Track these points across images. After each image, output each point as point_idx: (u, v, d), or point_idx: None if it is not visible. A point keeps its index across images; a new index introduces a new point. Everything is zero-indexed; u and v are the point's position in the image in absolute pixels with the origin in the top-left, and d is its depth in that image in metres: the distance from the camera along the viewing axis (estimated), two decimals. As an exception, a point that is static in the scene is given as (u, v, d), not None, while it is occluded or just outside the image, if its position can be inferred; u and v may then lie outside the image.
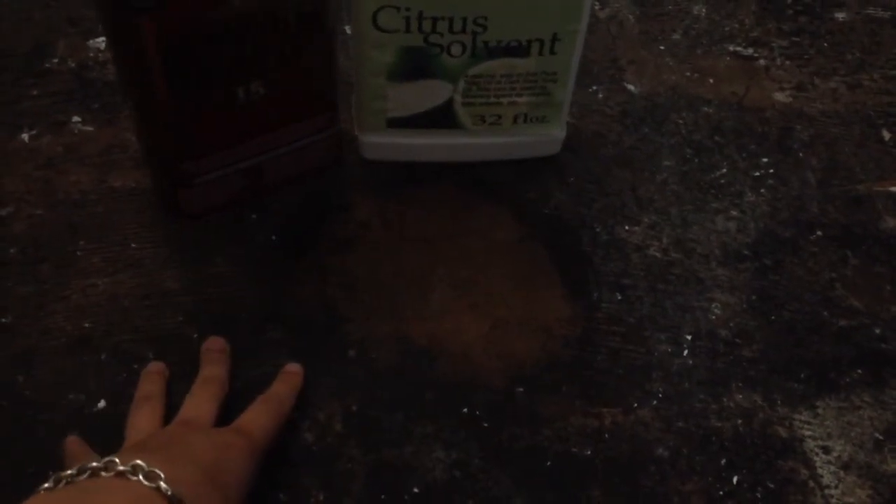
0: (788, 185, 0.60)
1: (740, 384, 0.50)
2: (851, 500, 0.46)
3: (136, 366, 0.48)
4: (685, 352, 0.51)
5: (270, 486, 0.45)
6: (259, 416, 0.45)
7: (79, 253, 0.53)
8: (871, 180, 0.60)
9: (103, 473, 0.37)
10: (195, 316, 0.51)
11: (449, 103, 0.55)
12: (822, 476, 0.47)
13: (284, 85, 0.50)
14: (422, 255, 0.55)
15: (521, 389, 0.49)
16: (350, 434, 0.47)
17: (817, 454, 0.47)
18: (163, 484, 0.37)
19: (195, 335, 0.50)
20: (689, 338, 0.52)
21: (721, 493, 0.46)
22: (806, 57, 0.68)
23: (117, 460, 0.37)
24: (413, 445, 0.47)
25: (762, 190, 0.59)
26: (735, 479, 0.46)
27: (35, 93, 0.61)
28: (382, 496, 0.45)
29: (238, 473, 0.41)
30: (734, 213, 0.58)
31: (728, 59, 0.67)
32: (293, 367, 0.49)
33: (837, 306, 0.53)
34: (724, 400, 0.49)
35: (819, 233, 0.57)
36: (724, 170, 0.60)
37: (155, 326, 0.50)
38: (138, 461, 0.37)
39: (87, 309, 0.51)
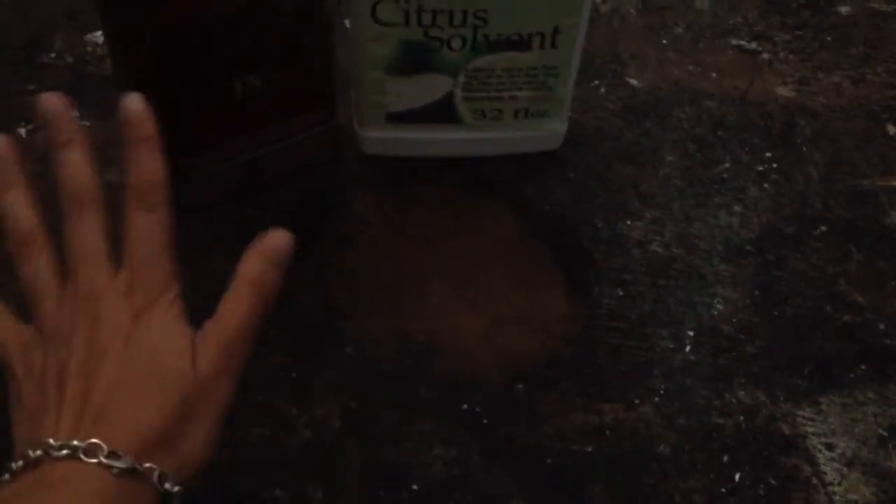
0: (792, 180, 0.59)
1: (743, 380, 0.49)
2: (855, 497, 0.45)
3: (132, 362, 0.48)
4: (687, 348, 0.51)
5: (267, 484, 0.44)
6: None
7: (75, 248, 0.53)
8: (876, 175, 0.60)
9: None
10: (191, 313, 0.50)
11: (449, 98, 0.54)
12: (825, 473, 0.46)
13: (282, 79, 0.50)
14: (421, 252, 0.54)
15: (520, 386, 0.48)
16: (348, 431, 0.46)
17: (820, 451, 0.47)
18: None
19: (192, 331, 0.49)
20: (691, 334, 0.51)
21: (723, 490, 0.45)
22: (809, 51, 0.67)
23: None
24: (412, 443, 0.46)
25: (765, 185, 0.59)
26: (737, 477, 0.46)
27: (32, 87, 0.61)
28: (381, 493, 0.44)
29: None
30: (737, 208, 0.57)
31: (731, 53, 0.67)
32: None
33: (841, 302, 0.53)
34: (727, 396, 0.49)
35: (823, 228, 0.57)
36: (727, 165, 0.60)
37: (152, 322, 0.50)
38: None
39: (83, 305, 0.50)
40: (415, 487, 0.45)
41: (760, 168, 0.60)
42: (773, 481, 0.46)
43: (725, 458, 0.46)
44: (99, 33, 0.64)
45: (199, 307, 0.51)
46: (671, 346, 0.51)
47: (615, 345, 0.50)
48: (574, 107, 0.60)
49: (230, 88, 0.48)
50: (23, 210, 0.38)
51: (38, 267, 0.37)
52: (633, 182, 0.58)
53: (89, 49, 0.63)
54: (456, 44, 0.51)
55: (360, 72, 0.53)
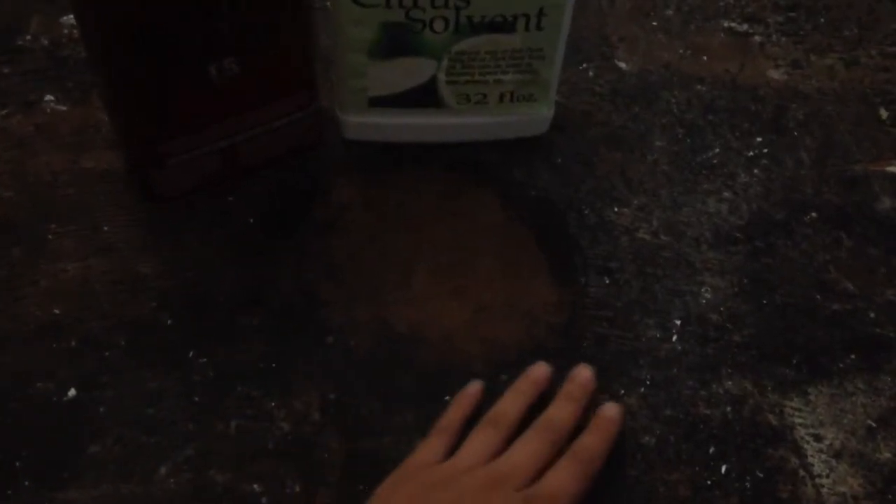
0: (782, 165, 0.58)
1: (730, 370, 0.49)
2: (843, 489, 0.45)
3: (107, 353, 0.47)
4: (674, 337, 0.50)
5: (244, 477, 0.44)
6: (568, 481, 0.40)
7: (49, 236, 0.51)
8: (868, 160, 0.59)
9: None
10: (169, 301, 0.49)
11: (432, 81, 0.53)
12: (812, 465, 0.45)
13: (259, 62, 0.49)
14: (404, 239, 0.53)
15: (504, 376, 0.47)
16: (328, 423, 0.46)
17: (808, 442, 0.46)
18: None
19: (169, 321, 0.49)
20: (678, 323, 0.50)
21: (708, 482, 0.45)
22: (802, 33, 0.66)
23: None
24: (393, 434, 0.45)
25: (755, 170, 0.58)
26: (723, 468, 0.45)
27: (6, 71, 0.59)
28: (361, 487, 0.44)
29: None
30: (726, 194, 0.56)
31: (722, 35, 0.66)
32: (610, 412, 0.44)
33: (831, 290, 0.52)
34: (714, 387, 0.48)
35: (813, 214, 0.56)
36: (717, 150, 0.59)
37: (128, 312, 0.49)
38: None
39: (57, 294, 0.49)
40: (395, 480, 0.44)
41: (751, 153, 0.58)
42: (759, 473, 0.45)
43: (711, 450, 0.46)
44: (75, 15, 0.63)
45: (175, 295, 0.50)
46: (658, 335, 0.50)
47: (601, 334, 0.49)
48: (561, 91, 0.59)
49: (205, 72, 0.47)
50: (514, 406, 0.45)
51: (487, 439, 0.43)
52: (620, 168, 0.57)
53: (65, 32, 0.62)
54: (438, 26, 0.50)
55: (340, 55, 0.52)
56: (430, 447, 0.43)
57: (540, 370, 0.46)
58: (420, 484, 0.40)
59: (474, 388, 0.46)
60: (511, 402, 0.45)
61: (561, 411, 0.44)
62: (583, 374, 0.46)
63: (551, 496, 0.40)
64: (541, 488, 0.40)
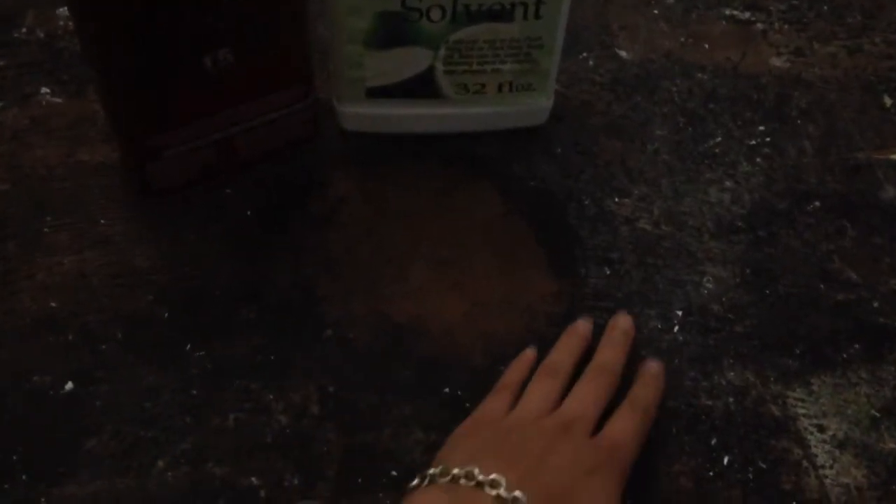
0: (785, 154, 0.57)
1: (732, 361, 0.48)
2: (846, 479, 0.44)
3: (104, 347, 0.47)
4: (675, 328, 0.49)
5: (242, 471, 0.43)
6: (628, 429, 0.42)
7: (45, 230, 0.51)
8: (871, 148, 0.58)
9: (462, 481, 0.37)
10: (166, 295, 0.49)
11: (430, 71, 0.52)
12: (816, 455, 0.45)
13: (255, 53, 0.48)
14: (402, 232, 0.53)
15: (503, 368, 0.47)
16: (326, 416, 0.45)
17: (811, 433, 0.46)
18: None
19: (166, 314, 0.48)
20: (679, 313, 0.50)
21: (711, 473, 0.44)
22: (805, 21, 0.65)
23: (476, 471, 0.37)
24: (391, 427, 0.45)
25: (758, 159, 0.57)
26: (726, 460, 0.45)
27: (1, 64, 0.59)
28: (359, 480, 0.43)
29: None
30: (728, 183, 0.56)
31: (724, 23, 0.65)
32: (654, 365, 0.46)
33: (834, 279, 0.51)
34: (716, 377, 0.47)
35: (816, 203, 0.55)
36: (719, 139, 0.58)
37: (124, 306, 0.48)
38: (496, 477, 0.37)
39: (53, 288, 0.49)
40: (394, 473, 0.44)
41: (753, 142, 0.58)
42: (762, 464, 0.45)
43: (714, 441, 0.45)
44: (71, 8, 0.62)
45: (172, 289, 0.49)
46: (659, 326, 0.49)
47: (601, 325, 0.49)
48: (560, 80, 0.58)
49: (200, 63, 0.46)
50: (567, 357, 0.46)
51: (547, 388, 0.44)
52: (621, 157, 0.57)
53: (61, 24, 0.61)
54: (435, 14, 0.49)
55: (336, 45, 0.51)
56: (494, 403, 0.44)
57: (583, 325, 0.48)
58: (492, 431, 0.42)
59: (531, 353, 0.47)
60: (562, 353, 0.46)
61: (609, 355, 0.46)
62: (623, 319, 0.48)
63: (617, 443, 0.41)
64: (607, 436, 0.42)
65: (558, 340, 0.47)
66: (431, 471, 0.38)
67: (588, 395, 0.43)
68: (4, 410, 0.45)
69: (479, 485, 0.37)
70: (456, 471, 0.37)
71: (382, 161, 0.56)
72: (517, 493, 0.36)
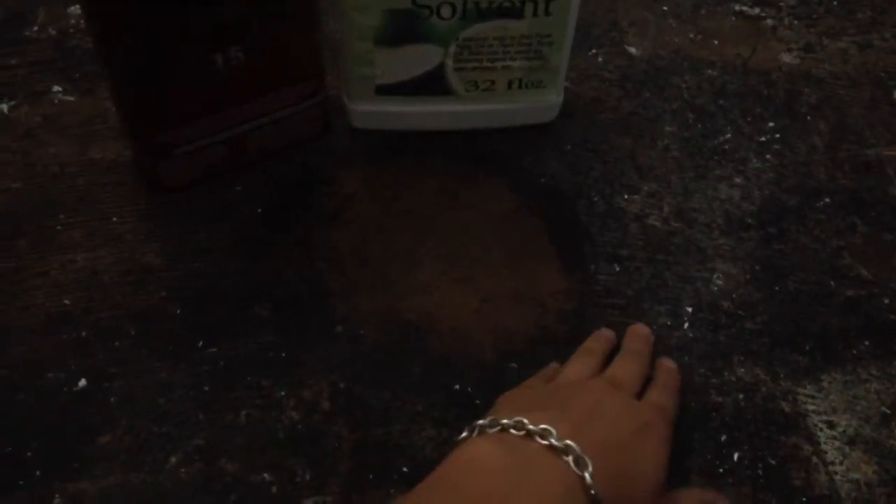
0: (795, 150, 0.57)
1: (742, 358, 0.48)
2: (857, 476, 0.44)
3: (117, 343, 0.47)
4: (685, 325, 0.49)
5: (254, 466, 0.43)
6: (667, 401, 0.44)
7: (58, 227, 0.51)
8: (882, 144, 0.58)
9: (512, 431, 0.37)
10: (177, 292, 0.49)
11: (440, 68, 0.53)
12: (826, 452, 0.45)
13: (265, 51, 0.48)
14: (412, 228, 0.53)
15: (514, 365, 0.47)
16: (337, 412, 0.45)
17: (821, 429, 0.46)
18: (587, 476, 0.35)
19: (177, 311, 0.48)
20: (689, 310, 0.50)
21: (721, 470, 0.44)
22: (815, 16, 0.65)
23: (526, 421, 0.37)
24: (402, 423, 0.45)
25: (767, 156, 0.57)
26: (736, 456, 0.45)
27: (14, 62, 0.59)
28: (370, 476, 0.43)
29: (654, 462, 0.39)
30: (738, 180, 0.56)
31: (734, 19, 0.65)
32: (668, 363, 0.47)
33: (845, 276, 0.51)
34: (726, 374, 0.48)
35: (826, 199, 0.55)
36: (728, 135, 0.58)
37: (136, 303, 0.49)
38: (547, 427, 0.36)
39: (66, 285, 0.49)
40: (405, 469, 0.44)
41: (763, 138, 0.58)
42: (772, 461, 0.45)
43: (724, 438, 0.45)
44: (82, 6, 0.62)
45: (183, 286, 0.50)
46: (669, 322, 0.49)
47: (611, 322, 0.49)
48: (570, 77, 0.58)
49: (211, 61, 0.47)
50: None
51: (587, 363, 0.46)
52: (630, 154, 0.57)
53: (72, 22, 0.62)
54: (446, 12, 0.49)
55: (346, 42, 0.51)
56: (575, 366, 0.45)
57: (607, 331, 0.48)
58: (540, 390, 0.43)
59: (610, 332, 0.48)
60: (594, 342, 0.47)
61: (638, 345, 0.47)
62: (641, 329, 0.48)
63: (662, 406, 0.43)
64: (651, 400, 0.43)
65: (581, 345, 0.47)
66: (480, 422, 0.38)
67: (627, 367, 0.45)
68: (19, 406, 0.45)
69: (530, 434, 0.36)
70: (505, 420, 0.37)
71: (391, 158, 0.56)
72: (569, 441, 0.36)
